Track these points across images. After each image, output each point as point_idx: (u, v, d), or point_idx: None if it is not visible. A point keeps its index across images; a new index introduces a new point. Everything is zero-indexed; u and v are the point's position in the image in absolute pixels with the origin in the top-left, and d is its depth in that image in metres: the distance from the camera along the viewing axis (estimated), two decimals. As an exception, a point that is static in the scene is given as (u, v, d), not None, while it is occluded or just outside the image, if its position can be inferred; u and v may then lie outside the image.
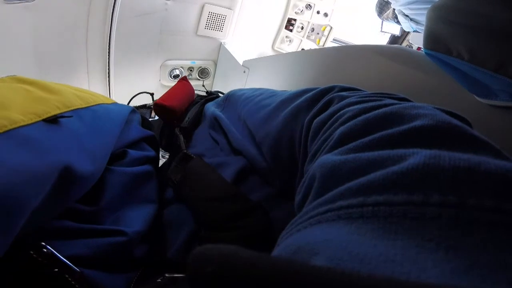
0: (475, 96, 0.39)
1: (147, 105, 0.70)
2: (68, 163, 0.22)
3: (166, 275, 0.26)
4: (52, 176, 0.21)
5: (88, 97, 0.31)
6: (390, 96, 0.23)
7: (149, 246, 0.30)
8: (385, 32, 1.64)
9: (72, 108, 0.27)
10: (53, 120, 0.24)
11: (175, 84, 0.61)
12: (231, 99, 0.47)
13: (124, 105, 0.39)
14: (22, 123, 0.21)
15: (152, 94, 0.72)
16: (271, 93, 0.39)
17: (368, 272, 0.07)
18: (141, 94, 0.73)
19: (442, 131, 0.15)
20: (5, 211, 0.17)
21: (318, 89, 0.29)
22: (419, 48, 1.30)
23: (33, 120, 0.22)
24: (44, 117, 0.23)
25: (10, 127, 0.20)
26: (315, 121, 0.24)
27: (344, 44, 1.69)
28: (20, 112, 0.21)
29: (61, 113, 0.25)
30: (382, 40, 1.76)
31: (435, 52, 0.35)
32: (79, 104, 0.29)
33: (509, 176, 0.11)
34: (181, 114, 0.55)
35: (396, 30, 1.57)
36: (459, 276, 0.09)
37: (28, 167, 0.19)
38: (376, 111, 0.19)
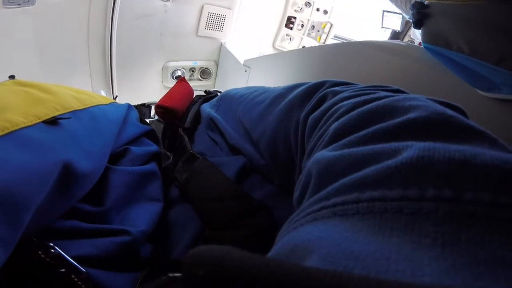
0: (477, 90, 0.38)
1: (146, 104, 0.70)
2: (67, 161, 0.23)
3: (169, 274, 0.27)
4: (53, 173, 0.21)
5: (85, 98, 0.32)
6: (384, 89, 0.22)
7: (155, 246, 0.30)
8: (386, 27, 1.62)
9: (69, 110, 0.28)
10: (52, 122, 0.25)
11: (174, 85, 0.62)
12: (225, 99, 0.47)
13: (121, 104, 0.40)
14: (23, 125, 0.22)
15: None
16: (265, 90, 0.39)
17: (359, 274, 0.07)
18: (143, 94, 0.73)
19: (436, 122, 0.15)
20: (12, 207, 0.18)
21: (309, 84, 0.29)
22: (420, 44, 1.28)
23: (33, 122, 0.23)
24: (44, 119, 0.24)
25: (11, 129, 0.21)
26: (310, 117, 0.24)
27: (345, 41, 1.68)
28: (21, 114, 0.22)
29: (59, 114, 0.26)
30: (384, 36, 1.75)
31: (434, 46, 0.35)
32: (76, 105, 0.29)
33: (506, 167, 0.11)
34: (182, 115, 0.55)
35: (397, 25, 1.55)
36: (456, 273, 0.08)
37: (31, 166, 0.20)
38: (370, 105, 0.18)
